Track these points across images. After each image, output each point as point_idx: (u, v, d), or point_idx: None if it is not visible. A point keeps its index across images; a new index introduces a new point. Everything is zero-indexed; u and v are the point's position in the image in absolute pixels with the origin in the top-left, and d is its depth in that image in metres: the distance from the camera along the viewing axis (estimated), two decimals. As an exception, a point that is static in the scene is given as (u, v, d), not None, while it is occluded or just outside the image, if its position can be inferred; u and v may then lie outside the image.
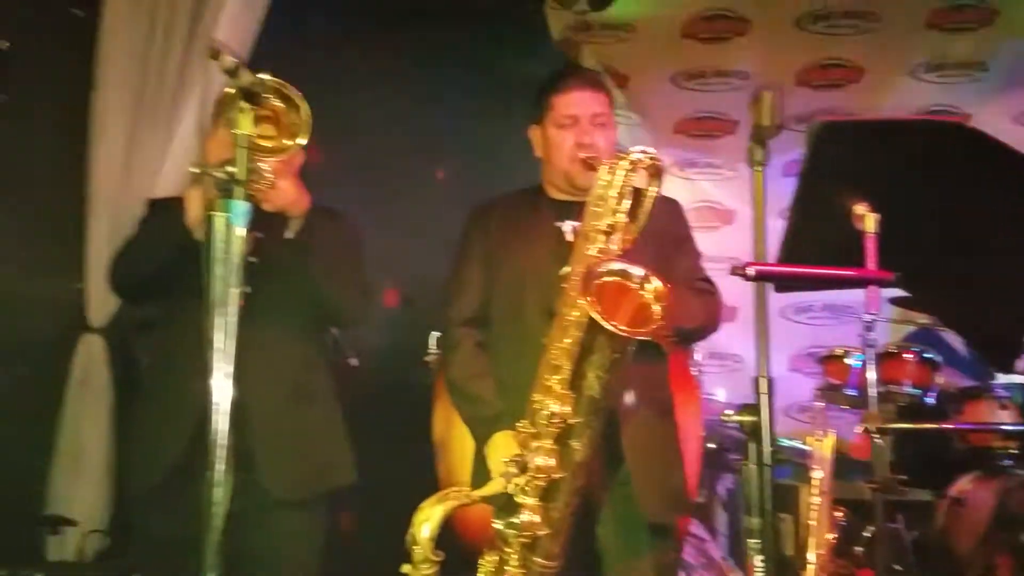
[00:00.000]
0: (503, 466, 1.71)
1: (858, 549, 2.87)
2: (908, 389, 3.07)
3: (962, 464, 3.03)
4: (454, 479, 3.12)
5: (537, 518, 1.65)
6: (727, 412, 1.70)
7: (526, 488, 1.66)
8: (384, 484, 2.17)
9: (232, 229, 1.42)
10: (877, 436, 2.59)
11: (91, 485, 3.12)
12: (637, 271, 1.64)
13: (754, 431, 1.62)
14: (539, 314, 1.85)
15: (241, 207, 1.43)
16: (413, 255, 3.66)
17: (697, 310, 1.95)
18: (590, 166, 1.84)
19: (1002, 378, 3.06)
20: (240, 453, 1.81)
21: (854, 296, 3.88)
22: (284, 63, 1.72)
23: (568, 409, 1.65)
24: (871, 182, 1.70)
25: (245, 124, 1.43)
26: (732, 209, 4.23)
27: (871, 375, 2.76)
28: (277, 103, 1.53)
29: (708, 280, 2.03)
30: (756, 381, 1.62)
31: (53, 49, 3.07)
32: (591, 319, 1.59)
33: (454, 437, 3.12)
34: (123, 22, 3.09)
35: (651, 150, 1.76)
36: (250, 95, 1.43)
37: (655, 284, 1.62)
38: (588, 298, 1.59)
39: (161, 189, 3.05)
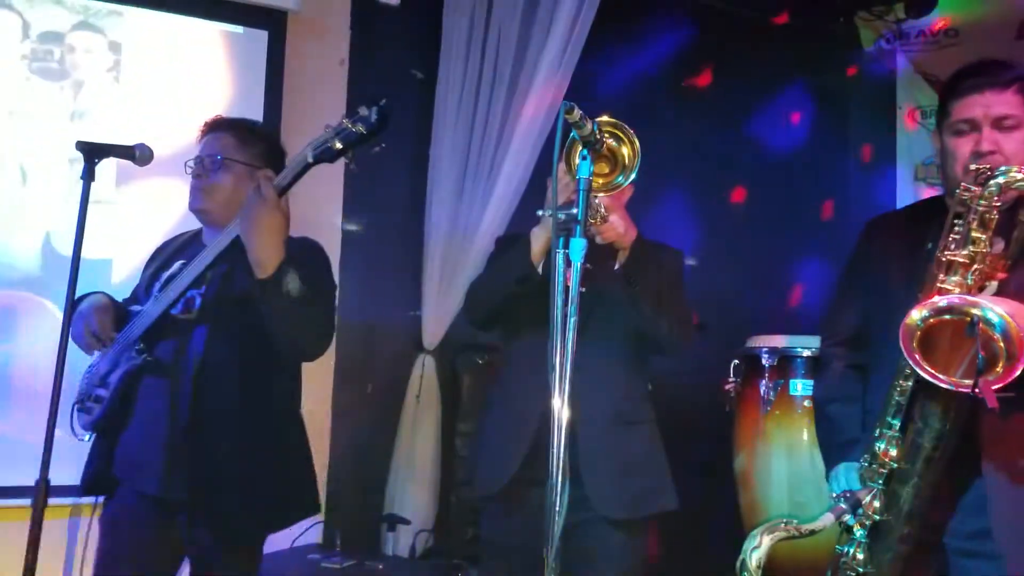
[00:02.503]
0: (832, 499, 1.68)
1: None
2: None
3: None
4: (757, 510, 3.06)
5: (862, 555, 1.61)
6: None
7: (860, 522, 1.62)
8: (681, 511, 2.16)
9: (571, 264, 1.56)
10: None
11: (422, 489, 3.47)
12: (973, 309, 1.45)
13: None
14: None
15: (579, 244, 1.56)
16: (707, 278, 3.67)
17: None
18: (979, 177, 1.62)
19: None
20: (571, 470, 1.97)
21: None
22: (587, 95, 1.81)
23: (895, 452, 1.58)
24: None
25: (585, 169, 1.57)
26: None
27: None
28: (612, 142, 1.65)
29: None
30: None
31: (398, 108, 3.51)
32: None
33: (758, 468, 3.06)
34: (455, 82, 3.48)
35: None
36: (589, 143, 1.57)
37: (996, 322, 1.42)
38: (911, 340, 1.47)
39: (485, 228, 3.38)
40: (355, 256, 3.46)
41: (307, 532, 3.17)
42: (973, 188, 1.58)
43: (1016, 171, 1.55)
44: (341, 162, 3.44)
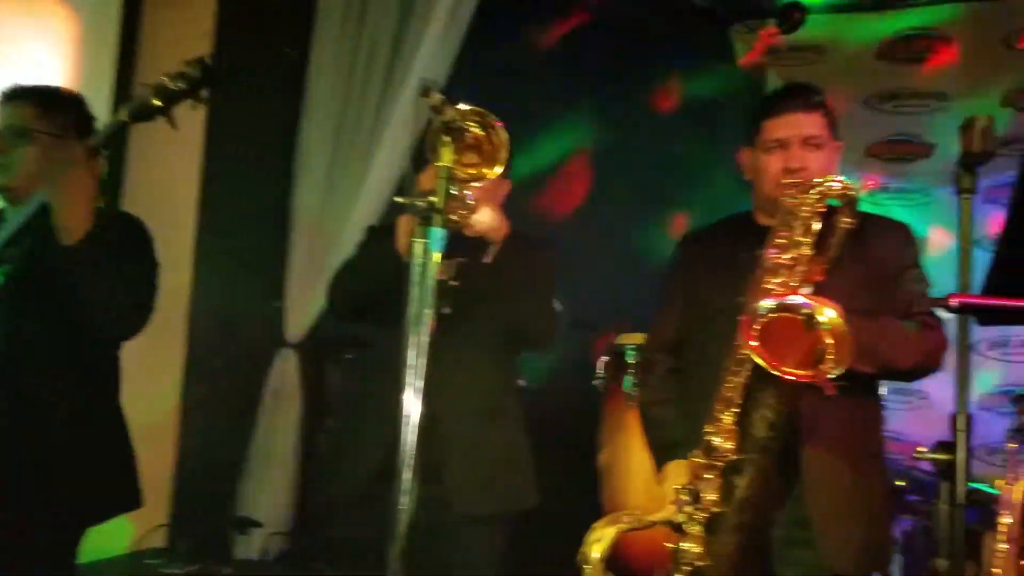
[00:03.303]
0: (674, 493, 1.71)
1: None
2: (1110, 432, 2.85)
3: None
4: (617, 503, 3.08)
5: (699, 548, 1.64)
6: (920, 449, 1.61)
7: (693, 517, 1.66)
8: (547, 505, 2.15)
9: (429, 254, 1.50)
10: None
11: (277, 489, 3.36)
12: (805, 305, 1.53)
13: (948, 470, 1.54)
14: (728, 344, 1.78)
15: (438, 234, 1.50)
16: (585, 277, 3.70)
17: (910, 346, 1.77)
18: (806, 188, 1.72)
19: None
20: (430, 467, 1.92)
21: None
22: (471, 93, 1.80)
23: (732, 445, 1.62)
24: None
25: (446, 156, 1.52)
26: (924, 237, 3.99)
27: (1070, 416, 2.61)
28: (478, 131, 1.59)
29: (932, 315, 1.83)
30: (954, 418, 1.53)
31: (266, 88, 3.36)
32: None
33: (619, 462, 3.11)
34: (329, 61, 3.36)
35: (845, 179, 1.66)
36: (452, 129, 1.51)
37: (826, 319, 1.50)
38: (750, 335, 1.54)
39: (356, 217, 3.27)
40: (212, 241, 3.30)
41: (149, 535, 3.03)
42: (797, 196, 1.68)
43: (833, 180, 1.66)
44: (200, 138, 3.28)
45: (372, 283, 2.04)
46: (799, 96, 1.89)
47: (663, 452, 1.90)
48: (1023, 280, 1.63)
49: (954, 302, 1.47)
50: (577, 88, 4.03)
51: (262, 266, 3.42)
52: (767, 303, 1.57)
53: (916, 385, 3.80)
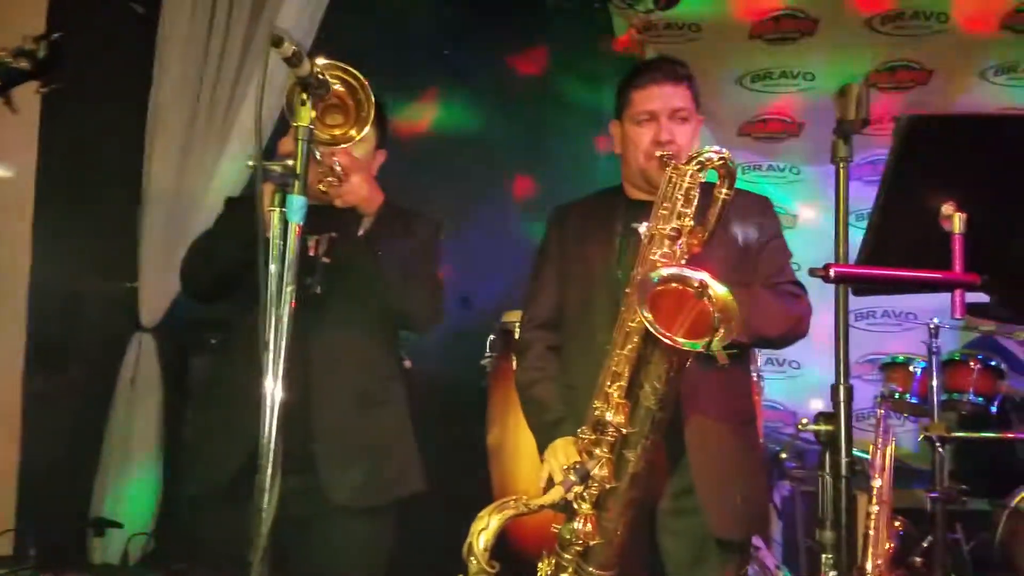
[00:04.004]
0: (561, 473, 1.66)
1: (916, 559, 2.81)
2: (972, 398, 3.05)
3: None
4: (508, 485, 3.04)
5: (589, 527, 1.62)
6: (803, 421, 1.62)
7: (583, 495, 1.62)
8: (436, 489, 2.08)
9: (288, 225, 1.36)
10: (939, 445, 2.57)
11: (138, 487, 3.15)
12: (696, 277, 1.55)
13: (831, 441, 1.53)
14: (608, 318, 1.77)
15: (298, 202, 1.36)
16: (473, 255, 3.63)
17: (779, 315, 1.84)
18: (666, 164, 1.75)
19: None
20: (304, 457, 1.78)
21: (916, 302, 3.80)
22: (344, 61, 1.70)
23: (622, 419, 1.60)
24: (960, 180, 1.58)
25: (304, 115, 1.37)
26: (794, 213, 4.16)
27: (935, 382, 2.77)
28: (341, 89, 1.46)
29: (796, 283, 1.90)
30: (834, 389, 1.53)
31: (112, 46, 3.09)
32: (647, 328, 1.53)
33: (509, 442, 3.05)
34: (183, 19, 3.13)
35: (723, 150, 1.67)
36: (310, 85, 1.37)
37: (716, 291, 1.53)
38: (643, 307, 1.53)
39: (216, 187, 3.08)
40: (54, 216, 3.04)
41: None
42: (681, 167, 1.69)
43: (712, 151, 1.67)
44: (36, 102, 2.98)
45: (228, 259, 1.86)
46: (667, 68, 1.92)
47: (545, 431, 1.86)
48: (895, 251, 1.69)
49: (832, 272, 1.46)
50: (452, 58, 3.93)
51: (112, 243, 3.18)
52: (661, 272, 1.58)
53: (789, 355, 3.96)
